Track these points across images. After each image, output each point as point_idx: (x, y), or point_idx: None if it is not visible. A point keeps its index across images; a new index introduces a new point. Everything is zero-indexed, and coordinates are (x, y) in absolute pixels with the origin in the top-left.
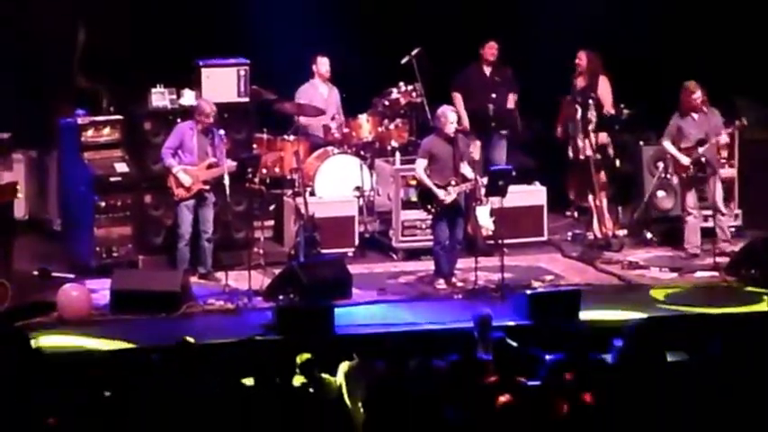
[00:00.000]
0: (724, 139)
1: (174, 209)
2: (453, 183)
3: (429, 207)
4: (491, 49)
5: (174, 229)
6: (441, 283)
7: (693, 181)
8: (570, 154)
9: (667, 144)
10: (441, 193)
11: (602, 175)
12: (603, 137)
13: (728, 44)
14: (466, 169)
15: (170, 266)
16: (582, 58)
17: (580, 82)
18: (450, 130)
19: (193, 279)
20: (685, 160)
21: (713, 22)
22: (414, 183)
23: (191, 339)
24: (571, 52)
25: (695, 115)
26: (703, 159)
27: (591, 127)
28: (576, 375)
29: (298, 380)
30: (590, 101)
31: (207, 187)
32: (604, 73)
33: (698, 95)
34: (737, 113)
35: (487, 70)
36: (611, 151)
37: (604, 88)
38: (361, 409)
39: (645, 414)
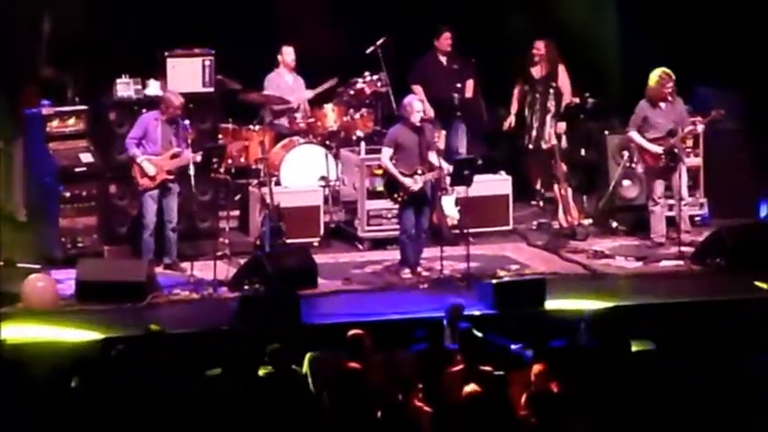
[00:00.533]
0: (700, 128)
1: (138, 199)
2: (420, 172)
3: (395, 196)
4: (446, 40)
5: (139, 219)
6: (406, 273)
7: (663, 171)
8: (528, 143)
9: (635, 134)
10: (407, 182)
11: (563, 164)
12: (561, 126)
13: (689, 31)
14: (433, 158)
15: (135, 256)
16: (540, 47)
17: (538, 71)
18: (416, 119)
19: (159, 269)
20: (657, 149)
21: (674, 10)
22: (379, 172)
23: (156, 327)
24: (529, 41)
25: (663, 105)
26: (676, 150)
27: (550, 116)
28: (542, 364)
29: (264, 370)
30: (550, 90)
31: (171, 177)
32: (562, 62)
33: (671, 85)
34: (708, 104)
35: (443, 59)
36: (564, 140)
37: (563, 77)
38: (327, 399)
39: (610, 402)
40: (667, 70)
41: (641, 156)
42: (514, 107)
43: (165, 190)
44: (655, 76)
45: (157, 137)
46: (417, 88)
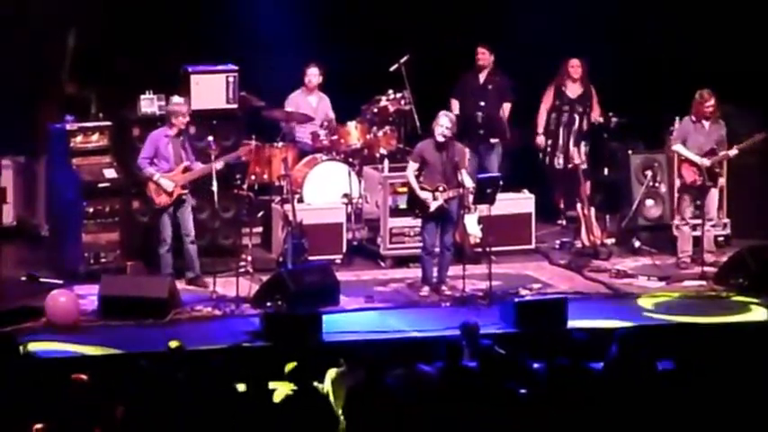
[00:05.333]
0: (733, 153)
1: (155, 216)
2: (441, 189)
3: (417, 211)
4: (479, 55)
5: (156, 236)
6: (425, 291)
7: (698, 190)
8: (558, 162)
9: (680, 147)
10: (426, 197)
11: (588, 184)
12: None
13: (714, 51)
14: (465, 177)
15: (153, 272)
16: (578, 65)
17: (574, 90)
18: (438, 134)
19: (182, 285)
20: (704, 162)
21: (698, 31)
22: (402, 189)
23: (175, 343)
24: (553, 61)
25: (706, 123)
26: (716, 170)
27: (581, 135)
28: (565, 384)
29: (286, 387)
30: (586, 109)
31: (185, 191)
32: (591, 81)
33: (711, 104)
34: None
35: (482, 77)
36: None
37: (594, 98)
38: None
39: (634, 423)
40: (709, 90)
41: (679, 172)
42: (542, 126)
43: (180, 203)
44: (697, 95)
45: (169, 154)
46: (454, 102)
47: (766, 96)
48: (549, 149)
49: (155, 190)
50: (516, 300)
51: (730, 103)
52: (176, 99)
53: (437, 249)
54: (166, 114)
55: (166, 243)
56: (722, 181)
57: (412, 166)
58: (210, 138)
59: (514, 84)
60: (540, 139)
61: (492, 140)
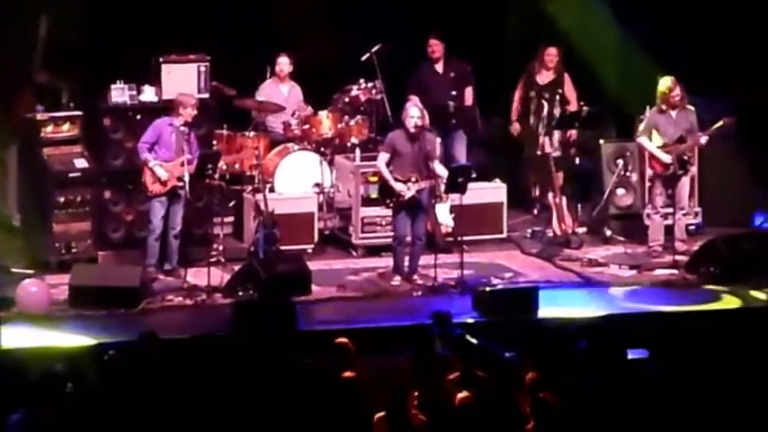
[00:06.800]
0: (704, 140)
1: (134, 206)
2: (414, 179)
3: (388, 201)
4: (431, 47)
5: (146, 224)
6: (396, 280)
7: (669, 179)
8: (534, 151)
9: (644, 140)
10: (400, 188)
11: (561, 173)
12: (573, 133)
13: (684, 42)
14: (438, 167)
15: (129, 262)
16: (554, 54)
17: (544, 77)
18: (411, 125)
19: (159, 275)
20: (666, 158)
21: (666, 19)
22: (374, 179)
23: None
24: (529, 49)
25: (673, 113)
26: (685, 157)
27: (555, 123)
28: (537, 372)
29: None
30: (557, 96)
31: (181, 184)
32: (566, 70)
33: (677, 92)
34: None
35: (439, 67)
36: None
37: (570, 86)
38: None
39: (607, 411)
40: (674, 78)
41: (650, 162)
42: (515, 113)
43: (174, 196)
44: (662, 83)
45: (171, 143)
46: (413, 97)
47: (732, 85)
48: (522, 137)
49: (150, 176)
50: (488, 289)
51: (695, 94)
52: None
53: (408, 239)
54: (174, 104)
55: (155, 232)
56: (694, 170)
57: (383, 157)
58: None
59: (472, 67)
60: (515, 127)
61: (462, 129)
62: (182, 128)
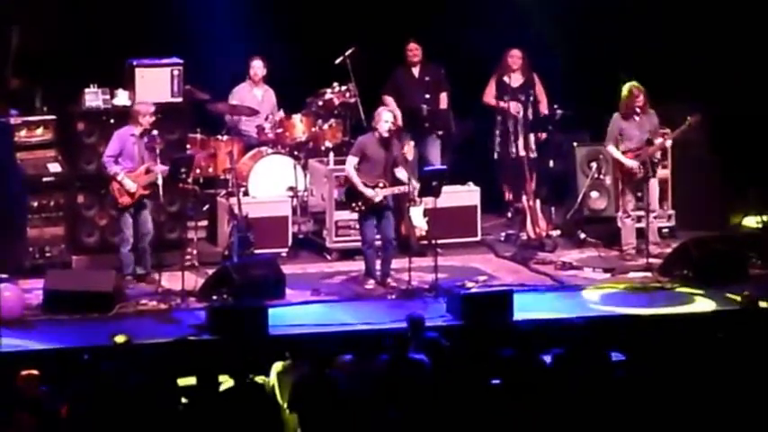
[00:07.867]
0: (669, 143)
1: (108, 210)
2: (381, 185)
3: (353, 205)
4: (410, 51)
5: (117, 234)
6: (370, 283)
7: (637, 183)
8: (507, 153)
9: (612, 149)
10: (369, 193)
11: (534, 176)
12: (542, 136)
13: (656, 46)
14: (401, 174)
15: (103, 266)
16: (518, 56)
17: (515, 79)
18: (383, 129)
19: (131, 280)
20: (633, 164)
21: (641, 25)
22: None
23: (122, 338)
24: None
25: (637, 117)
26: (655, 160)
27: (529, 125)
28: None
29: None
30: (529, 98)
31: (147, 192)
32: (534, 71)
33: (641, 99)
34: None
35: (415, 71)
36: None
37: (540, 87)
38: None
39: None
40: (637, 84)
41: (618, 167)
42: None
43: (141, 205)
44: (625, 90)
45: (134, 153)
46: (388, 99)
47: (696, 86)
48: (495, 140)
49: (118, 189)
50: (462, 292)
51: (661, 99)
52: (137, 97)
53: (378, 242)
54: (132, 113)
55: (128, 243)
56: (666, 173)
57: (352, 161)
58: (155, 132)
59: (446, 72)
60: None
61: (436, 132)
62: (145, 137)
